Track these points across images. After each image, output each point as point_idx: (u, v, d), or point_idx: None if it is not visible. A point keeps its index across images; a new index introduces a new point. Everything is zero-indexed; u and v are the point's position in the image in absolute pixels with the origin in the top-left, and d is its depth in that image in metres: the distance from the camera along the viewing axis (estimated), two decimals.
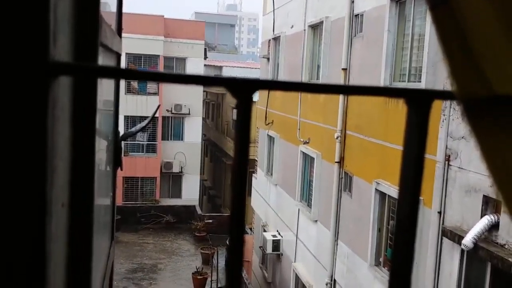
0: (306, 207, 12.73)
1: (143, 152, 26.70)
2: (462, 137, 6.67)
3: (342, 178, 10.61)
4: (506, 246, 5.88)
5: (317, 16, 12.22)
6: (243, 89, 0.46)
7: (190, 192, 27.46)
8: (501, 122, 0.39)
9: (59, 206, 0.77)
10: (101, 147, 1.57)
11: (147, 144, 26.71)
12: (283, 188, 14.67)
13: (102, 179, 1.66)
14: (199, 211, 25.00)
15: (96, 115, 1.01)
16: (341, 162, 10.59)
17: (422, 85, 7.63)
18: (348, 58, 10.38)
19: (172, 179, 27.49)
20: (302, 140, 12.83)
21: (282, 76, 14.98)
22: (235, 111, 0.48)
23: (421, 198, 7.35)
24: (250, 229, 20.71)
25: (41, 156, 0.53)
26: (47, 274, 0.58)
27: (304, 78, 12.89)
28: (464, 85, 0.41)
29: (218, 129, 30.19)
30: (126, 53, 24.75)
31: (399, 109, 8.19)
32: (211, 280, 17.48)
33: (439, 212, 7.06)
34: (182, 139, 27.48)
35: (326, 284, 11.01)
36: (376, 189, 8.96)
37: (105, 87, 1.67)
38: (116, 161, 2.15)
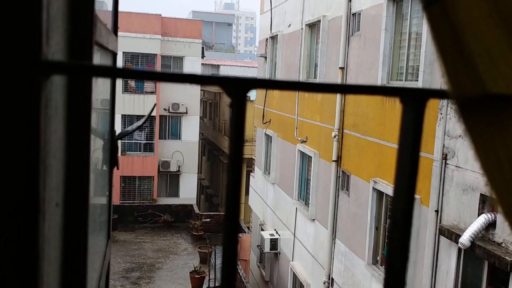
0: (303, 206, 12.75)
1: (140, 151, 26.69)
2: (459, 136, 6.68)
3: (339, 177, 10.62)
4: (503, 245, 5.89)
5: (314, 15, 12.23)
6: (237, 88, 0.46)
7: (188, 191, 27.47)
8: (494, 121, 0.39)
9: (53, 205, 0.77)
10: (97, 146, 1.57)
11: (145, 143, 26.70)
12: (281, 187, 14.68)
13: (98, 178, 1.65)
14: (196, 210, 25.00)
15: (91, 114, 1.00)
16: (338, 161, 10.60)
17: (419, 84, 7.64)
18: (345, 57, 10.39)
19: (170, 178, 27.50)
20: (299, 139, 12.84)
21: (280, 75, 14.99)
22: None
23: (418, 196, 7.35)
24: (248, 228, 20.73)
25: (33, 155, 0.53)
26: (40, 274, 0.57)
27: (302, 77, 12.90)
28: (458, 84, 0.41)
29: (215, 128, 30.19)
30: (123, 52, 24.73)
31: (396, 108, 8.21)
32: (209, 279, 17.49)
33: (436, 211, 7.08)
34: (179, 138, 27.48)
35: (324, 283, 11.03)
36: (373, 187, 8.97)
37: (101, 86, 1.66)
38: (112, 161, 2.15)
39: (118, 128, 2.81)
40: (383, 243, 8.97)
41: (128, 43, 24.38)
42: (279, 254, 14.64)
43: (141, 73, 0.48)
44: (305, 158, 12.83)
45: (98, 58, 1.46)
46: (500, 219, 5.94)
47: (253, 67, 31.15)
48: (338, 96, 10.24)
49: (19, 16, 0.52)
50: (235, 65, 33.40)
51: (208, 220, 23.19)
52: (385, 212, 8.91)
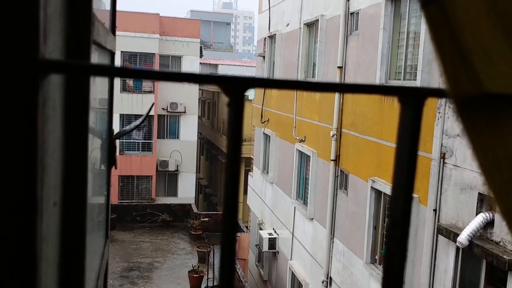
0: (302, 205, 12.75)
1: (138, 150, 26.67)
2: (457, 135, 6.69)
3: (338, 176, 10.63)
4: (501, 244, 5.91)
5: (312, 14, 12.23)
6: (235, 87, 0.46)
7: (186, 191, 27.46)
8: (492, 120, 0.39)
9: (51, 205, 0.77)
10: (95, 145, 1.56)
11: (143, 142, 26.67)
12: (279, 186, 14.69)
13: (96, 178, 1.65)
14: (195, 210, 25.00)
15: (89, 113, 1.00)
16: (337, 160, 10.61)
17: (417, 83, 7.65)
18: (344, 56, 10.39)
19: (168, 178, 27.48)
20: (298, 138, 12.84)
21: (278, 74, 14.98)
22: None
23: (416, 195, 7.35)
24: (246, 227, 20.73)
25: (31, 155, 0.53)
26: (38, 274, 0.57)
27: (300, 76, 12.90)
28: (456, 83, 0.41)
29: (214, 128, 30.17)
30: (122, 51, 24.70)
31: (394, 107, 8.21)
32: (207, 279, 17.49)
33: (435, 210, 7.09)
34: (178, 138, 27.46)
35: (322, 282, 11.04)
36: (371, 187, 8.98)
37: (99, 85, 1.66)
38: (110, 160, 2.14)
39: (116, 128, 2.81)
40: (382, 242, 8.98)
41: (126, 42, 24.34)
42: (278, 253, 14.64)
43: (139, 72, 0.48)
44: (303, 158, 12.84)
45: (96, 57, 1.45)
46: (498, 218, 5.95)
47: (251, 66, 31.11)
48: (337, 95, 10.25)
49: (16, 15, 0.52)
50: (234, 65, 33.38)
51: (207, 219, 23.19)
52: (383, 211, 8.92)
